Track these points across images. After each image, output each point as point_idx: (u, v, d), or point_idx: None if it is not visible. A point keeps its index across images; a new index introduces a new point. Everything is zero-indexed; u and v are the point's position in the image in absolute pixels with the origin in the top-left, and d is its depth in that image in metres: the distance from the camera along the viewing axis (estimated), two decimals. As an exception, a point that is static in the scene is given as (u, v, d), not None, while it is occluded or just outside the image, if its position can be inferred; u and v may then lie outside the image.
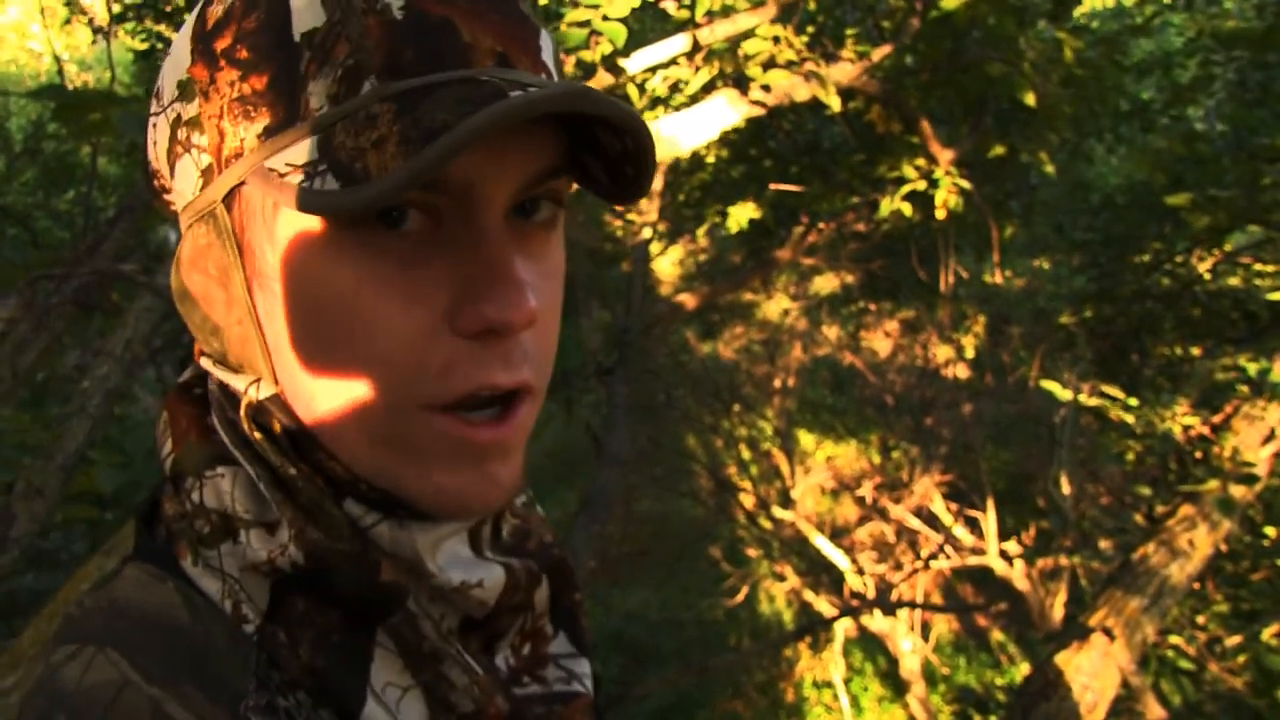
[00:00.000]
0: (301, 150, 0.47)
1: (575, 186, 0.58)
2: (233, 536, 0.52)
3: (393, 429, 0.50)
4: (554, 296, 0.54)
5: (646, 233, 8.21)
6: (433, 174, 0.43)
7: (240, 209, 0.51)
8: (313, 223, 0.48)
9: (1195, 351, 5.63)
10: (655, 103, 4.74)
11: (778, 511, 10.44)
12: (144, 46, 5.56)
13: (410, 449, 0.51)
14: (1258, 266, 5.89)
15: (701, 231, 7.16)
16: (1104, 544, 6.08)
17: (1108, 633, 2.82)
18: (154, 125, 0.55)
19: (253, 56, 0.48)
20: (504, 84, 0.46)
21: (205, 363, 0.57)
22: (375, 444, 0.51)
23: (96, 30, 5.21)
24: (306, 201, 0.45)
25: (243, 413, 0.53)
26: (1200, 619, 3.97)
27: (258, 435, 0.52)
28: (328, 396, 0.51)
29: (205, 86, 0.50)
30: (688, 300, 7.82)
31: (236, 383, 0.54)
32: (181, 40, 0.53)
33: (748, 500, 10.80)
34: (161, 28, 5.24)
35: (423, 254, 0.49)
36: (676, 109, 4.50)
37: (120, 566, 0.55)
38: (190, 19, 0.53)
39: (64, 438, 1.80)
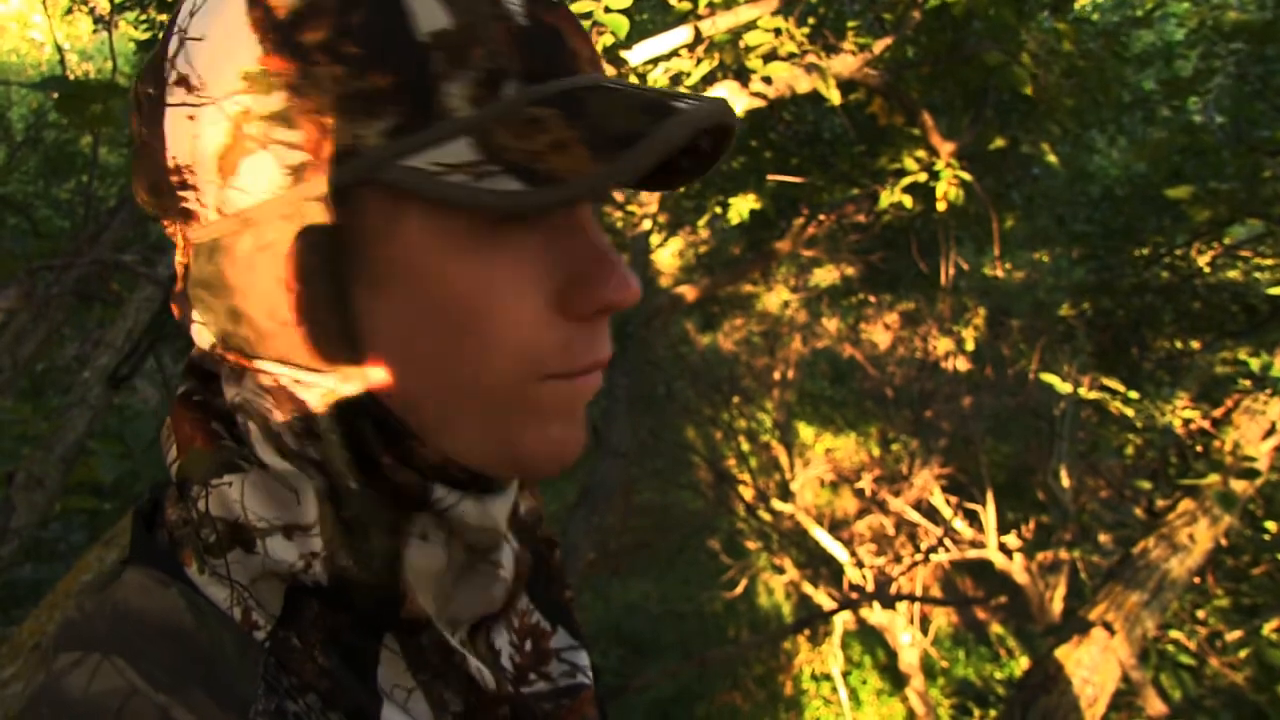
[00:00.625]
0: (455, 150, 0.47)
1: None
2: (243, 546, 0.51)
3: (519, 400, 0.53)
4: None
5: (646, 224, 8.20)
6: (634, 177, 0.46)
7: (350, 207, 0.50)
8: (450, 221, 0.49)
9: (1195, 345, 5.64)
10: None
11: (777, 504, 10.46)
12: (146, 36, 5.55)
13: (533, 412, 0.54)
14: (1257, 260, 5.89)
15: (702, 223, 7.16)
16: (1104, 538, 6.08)
17: (1108, 627, 2.82)
18: (191, 117, 0.51)
19: (367, 53, 0.48)
20: (646, 93, 0.50)
21: (262, 365, 0.54)
22: (495, 416, 0.53)
23: (98, 20, 5.20)
24: (490, 200, 0.46)
25: (323, 410, 0.52)
26: (1201, 613, 3.97)
27: (333, 436, 0.52)
28: (441, 383, 0.52)
29: (293, 80, 0.48)
30: (688, 292, 7.82)
31: (316, 380, 0.53)
32: (226, 26, 0.50)
33: (747, 492, 10.82)
34: (164, 17, 5.23)
35: (534, 243, 0.52)
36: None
37: (119, 570, 0.54)
38: (230, 5, 0.50)
39: (64, 428, 1.80)
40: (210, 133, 0.50)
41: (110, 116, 1.79)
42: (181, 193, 0.53)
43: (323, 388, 0.52)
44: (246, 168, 0.50)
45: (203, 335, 0.56)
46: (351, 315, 0.51)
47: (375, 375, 0.52)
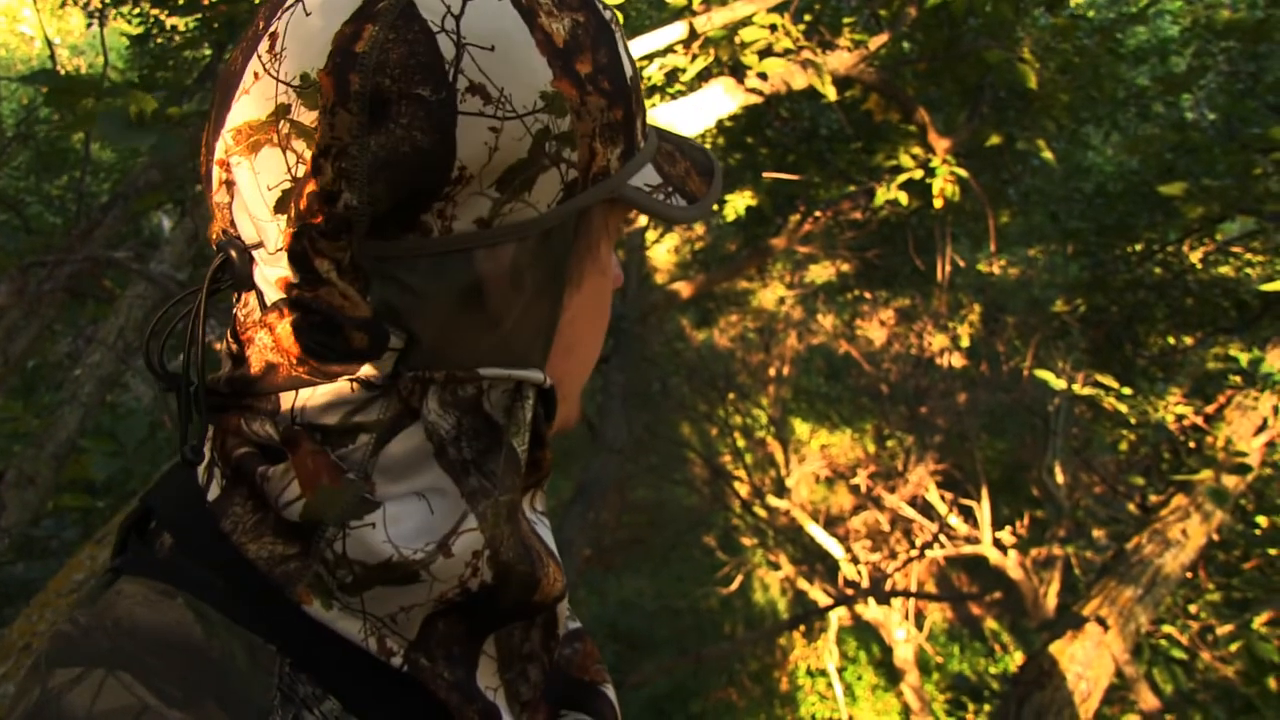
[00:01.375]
0: (649, 174, 0.59)
1: None
2: (402, 581, 0.51)
3: (586, 381, 0.66)
4: None
5: (642, 220, 8.20)
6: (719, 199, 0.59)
7: (587, 220, 0.58)
8: (615, 229, 0.62)
9: (1188, 341, 5.65)
10: (652, 91, 4.73)
11: (772, 500, 10.47)
12: (139, 30, 5.52)
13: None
14: (1249, 256, 5.90)
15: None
16: (1097, 533, 6.10)
17: (1102, 622, 2.82)
18: (494, 129, 0.50)
19: (613, 89, 0.56)
20: (663, 130, 0.66)
21: (486, 371, 0.54)
22: (572, 400, 0.64)
23: (90, 14, 5.18)
24: (679, 215, 0.60)
25: (520, 400, 0.56)
26: (1193, 608, 3.98)
27: (525, 419, 0.56)
28: (582, 362, 0.63)
29: (576, 105, 0.53)
30: (683, 288, 7.82)
31: (532, 375, 0.56)
32: (517, 44, 0.51)
33: (742, 489, 10.82)
34: (156, 11, 5.21)
35: None
36: (673, 97, 4.48)
37: (110, 579, 0.53)
38: (505, 16, 0.51)
39: (56, 426, 1.79)
40: (511, 145, 0.50)
41: (88, 119, 1.77)
42: (438, 203, 0.50)
43: (533, 380, 0.56)
44: (541, 183, 0.52)
45: (381, 360, 0.53)
46: (559, 311, 0.57)
47: (555, 362, 0.59)
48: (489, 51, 0.50)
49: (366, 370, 0.52)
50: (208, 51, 5.07)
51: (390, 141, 0.49)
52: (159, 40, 5.48)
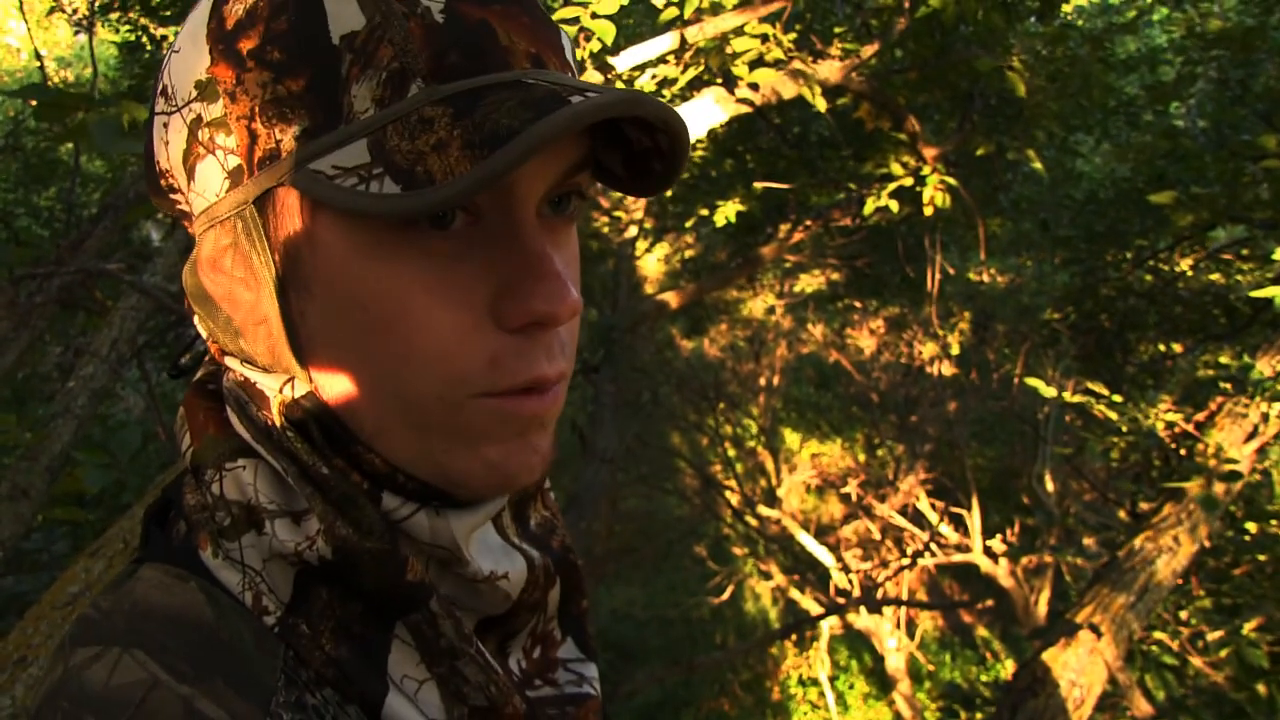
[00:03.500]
0: (351, 153, 0.47)
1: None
2: (256, 527, 0.52)
3: (443, 417, 0.51)
4: (577, 283, 0.56)
5: (632, 230, 8.21)
6: (504, 178, 0.43)
7: (274, 210, 0.50)
8: (358, 225, 0.49)
9: (1178, 348, 5.67)
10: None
11: (763, 509, 10.47)
12: (129, 38, 5.52)
13: (460, 432, 0.52)
14: (1239, 263, 5.93)
15: (688, 224, 7.18)
16: (1088, 541, 6.12)
17: (1094, 629, 2.83)
18: (165, 125, 0.53)
19: (287, 58, 0.48)
20: (555, 87, 0.47)
21: (231, 362, 0.56)
22: (423, 432, 0.52)
23: (78, 25, 5.18)
24: (363, 204, 0.45)
25: (275, 410, 0.53)
26: (1184, 614, 4.00)
27: (290, 433, 0.52)
28: (371, 392, 0.51)
29: (231, 87, 0.49)
30: (673, 298, 7.82)
31: (268, 381, 0.54)
32: (193, 38, 0.51)
33: (733, 498, 10.83)
34: (146, 21, 5.20)
35: (464, 251, 0.50)
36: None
37: (133, 568, 0.54)
38: (199, 17, 0.52)
39: (49, 438, 1.78)
40: (175, 139, 0.53)
41: (81, 129, 1.77)
42: (173, 196, 0.55)
43: (275, 388, 0.53)
44: (200, 172, 0.52)
45: (201, 329, 0.58)
46: (291, 318, 0.52)
47: (319, 379, 0.52)
48: (177, 53, 0.52)
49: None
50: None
51: (146, 147, 0.57)
52: (149, 49, 5.48)
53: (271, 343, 0.53)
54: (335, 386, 0.52)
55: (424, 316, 0.49)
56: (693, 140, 3.91)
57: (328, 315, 0.51)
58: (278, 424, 0.53)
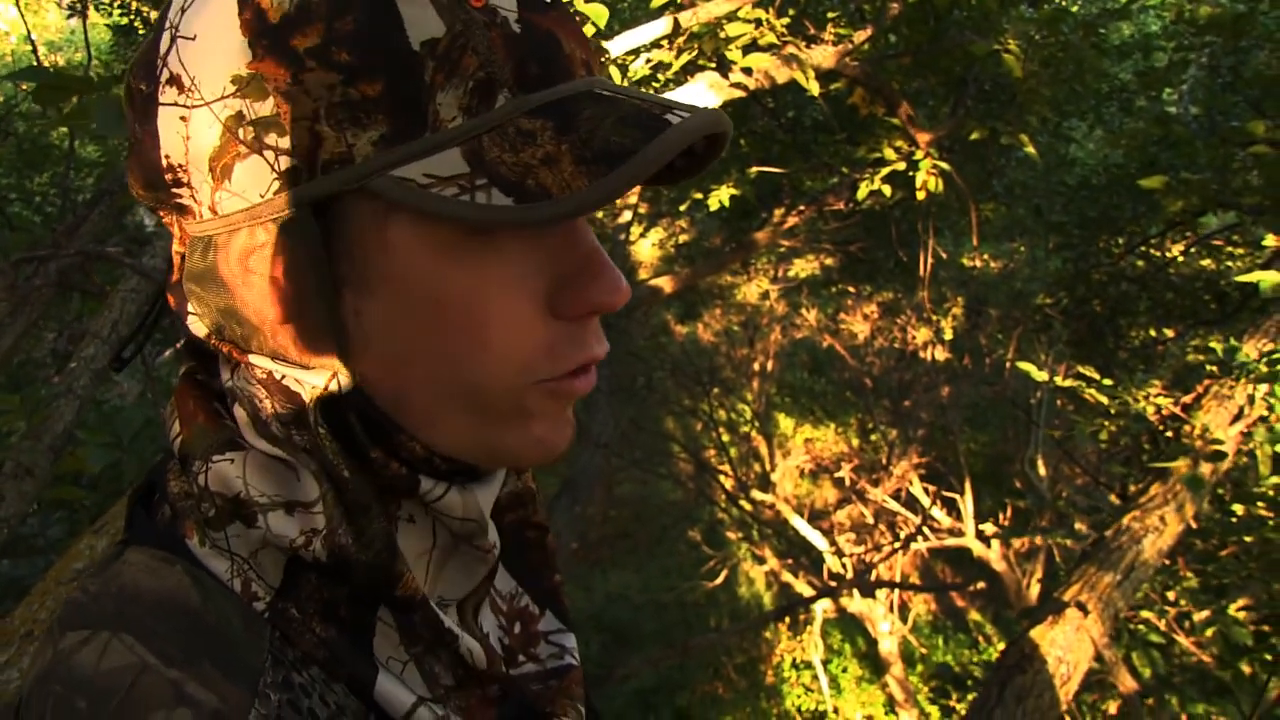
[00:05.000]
0: (445, 162, 0.47)
1: None
2: (245, 520, 0.53)
3: (506, 403, 0.54)
4: None
5: (626, 215, 8.21)
6: (621, 195, 0.46)
7: (338, 213, 0.50)
8: (436, 228, 0.49)
9: (1169, 333, 5.71)
10: (636, 85, 4.75)
11: (757, 494, 10.51)
12: (122, 21, 5.50)
13: (517, 414, 0.55)
14: (1229, 249, 5.96)
15: (682, 208, 7.19)
16: (1079, 524, 6.16)
17: (1081, 607, 2.87)
18: (182, 118, 0.51)
19: (358, 61, 0.47)
20: (638, 103, 0.50)
21: (255, 359, 0.55)
22: (481, 417, 0.54)
23: (70, 9, 5.17)
24: (476, 215, 0.46)
25: (310, 405, 0.53)
26: (1171, 594, 4.04)
27: (321, 429, 0.53)
28: (431, 384, 0.53)
29: (285, 86, 0.48)
30: (667, 283, 7.84)
31: (303, 376, 0.54)
32: (217, 28, 0.50)
33: (727, 483, 10.86)
34: (139, 4, 5.20)
35: (527, 248, 0.52)
36: (657, 91, 4.51)
37: (119, 551, 0.55)
38: (222, 4, 0.50)
39: (52, 418, 1.81)
40: (203, 135, 0.51)
41: (88, 111, 1.78)
42: (175, 189, 0.53)
43: (311, 383, 0.53)
44: (240, 172, 0.50)
45: (197, 325, 0.57)
46: (340, 316, 0.52)
47: (365, 373, 0.53)
48: (191, 41, 0.51)
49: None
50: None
51: (134, 134, 0.55)
52: (142, 33, 5.47)
53: (310, 339, 0.53)
54: (390, 380, 0.53)
55: (497, 311, 0.51)
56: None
57: (393, 313, 0.51)
58: (311, 419, 0.53)
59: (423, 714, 0.54)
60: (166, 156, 0.53)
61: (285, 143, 0.49)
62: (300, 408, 0.53)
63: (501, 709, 0.59)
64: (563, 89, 0.50)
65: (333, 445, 0.53)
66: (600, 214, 8.62)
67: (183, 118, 0.51)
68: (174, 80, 0.51)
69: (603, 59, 3.08)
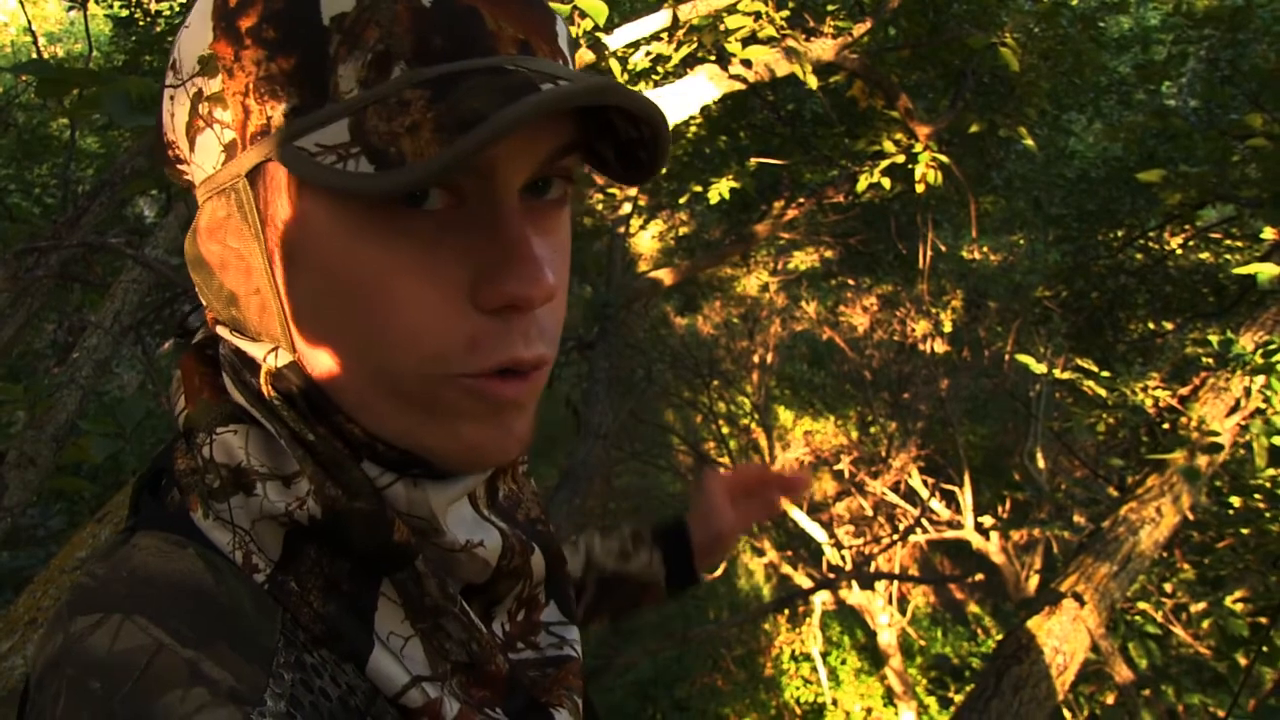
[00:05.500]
0: (333, 132, 0.48)
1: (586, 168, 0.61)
2: (245, 490, 0.54)
3: (422, 394, 0.52)
4: (564, 269, 0.57)
5: (626, 208, 8.22)
6: (468, 162, 0.45)
7: (264, 184, 0.52)
8: (344, 203, 0.49)
9: (1168, 326, 5.72)
10: (636, 78, 4.75)
11: (757, 486, 10.48)
12: (122, 13, 5.50)
13: (437, 409, 0.53)
14: (1227, 242, 5.97)
15: (682, 201, 7.19)
16: (1078, 516, 6.17)
17: (1078, 598, 2.88)
18: (171, 97, 0.56)
19: (280, 36, 0.49)
20: (532, 75, 0.48)
21: (222, 330, 0.58)
22: (401, 406, 0.53)
23: (70, 1, 5.18)
24: (339, 182, 0.46)
25: (262, 378, 0.55)
26: (1168, 586, 4.06)
27: (276, 400, 0.54)
28: (354, 365, 0.53)
29: (229, 63, 0.51)
30: (667, 275, 7.84)
31: (254, 350, 0.55)
32: (201, 15, 0.53)
33: (727, 475, 10.84)
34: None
35: (445, 232, 0.51)
36: (657, 84, 4.51)
37: (126, 536, 0.55)
38: None
39: (55, 408, 1.82)
40: (179, 112, 0.55)
41: (94, 102, 1.79)
42: (179, 166, 0.58)
43: (260, 356, 0.55)
44: (200, 144, 0.54)
45: (200, 296, 0.60)
46: (279, 290, 0.53)
47: (304, 351, 0.54)
48: (187, 29, 0.54)
49: None
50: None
51: (158, 119, 0.59)
52: (142, 24, 5.47)
53: (261, 311, 0.54)
54: (320, 358, 0.53)
55: (404, 295, 0.50)
56: (686, 117, 3.92)
57: (314, 289, 0.52)
58: (266, 391, 0.54)
59: (414, 695, 0.54)
60: (165, 133, 0.57)
61: (227, 117, 0.52)
62: (256, 379, 0.55)
63: (507, 693, 0.59)
64: (467, 63, 0.49)
65: (290, 413, 0.54)
66: (599, 206, 8.63)
67: (171, 96, 0.56)
68: (172, 64, 0.56)
69: (602, 54, 3.08)
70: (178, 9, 5.19)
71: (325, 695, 0.50)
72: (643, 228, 10.13)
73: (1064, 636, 2.81)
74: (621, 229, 8.46)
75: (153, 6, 5.34)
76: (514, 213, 0.51)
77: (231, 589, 0.51)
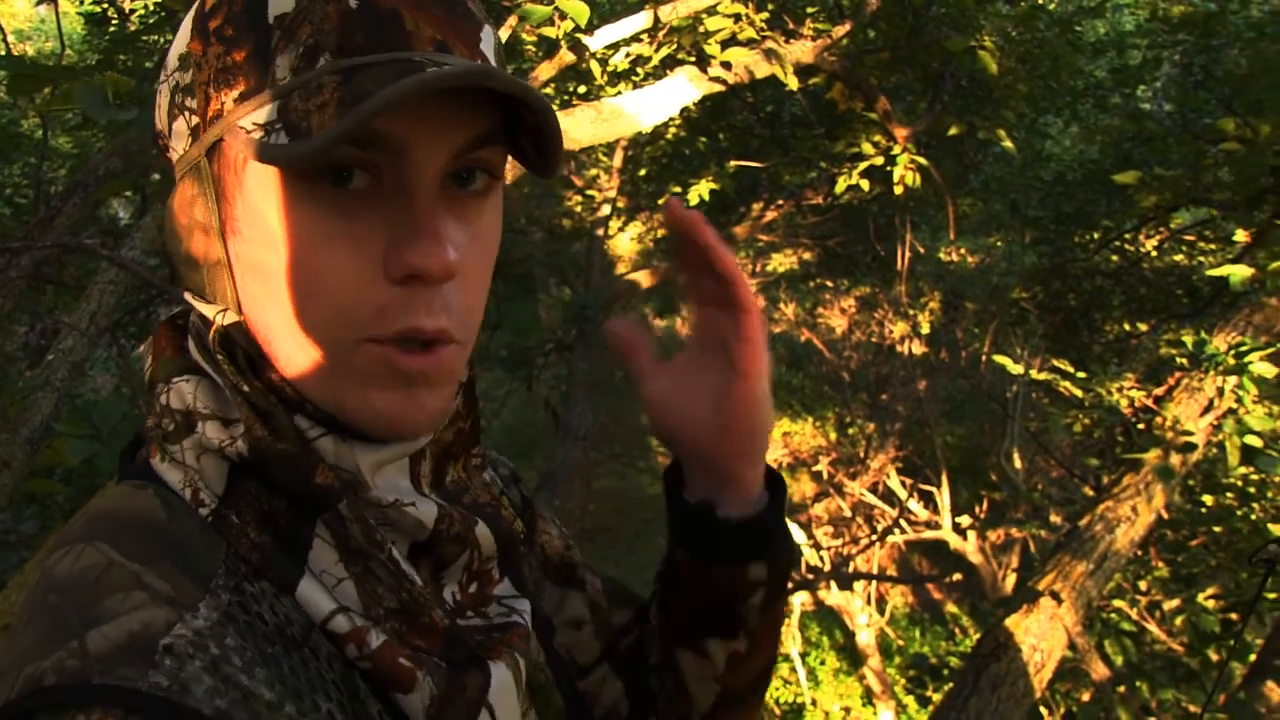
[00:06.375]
0: (264, 112, 0.55)
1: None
2: (192, 430, 0.60)
3: (335, 357, 0.58)
4: (481, 257, 0.62)
5: (605, 209, 8.21)
6: (354, 132, 0.51)
7: (220, 162, 0.59)
8: (274, 176, 0.56)
9: (1142, 327, 5.77)
10: (617, 79, 4.75)
11: (735, 487, 10.49)
12: (94, 10, 5.45)
13: (350, 374, 0.59)
14: (1201, 244, 6.03)
15: (661, 202, 7.20)
16: (1054, 516, 6.22)
17: (1055, 596, 2.91)
18: (160, 91, 0.64)
19: (235, 34, 0.57)
20: (427, 63, 0.54)
21: (188, 295, 0.65)
22: (321, 369, 0.59)
23: (41, -3, 5.12)
24: (260, 153, 0.53)
25: (211, 336, 0.61)
26: (1142, 584, 4.10)
27: (220, 355, 0.60)
28: (283, 327, 0.59)
29: (198, 59, 0.59)
30: (646, 277, 7.85)
31: (209, 311, 0.62)
32: (187, 20, 0.61)
33: (706, 476, 10.84)
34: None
35: (364, 208, 0.57)
36: (636, 85, 4.52)
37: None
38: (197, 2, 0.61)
39: (30, 410, 1.80)
40: (162, 103, 0.64)
41: (69, 97, 1.77)
42: (167, 155, 0.65)
43: (210, 316, 0.62)
44: (175, 130, 0.62)
45: (175, 265, 0.67)
46: (228, 257, 0.60)
47: (249, 313, 0.61)
48: (178, 34, 0.62)
49: None
50: (170, 36, 5.03)
51: None
52: (115, 22, 5.42)
53: (215, 277, 0.62)
54: (259, 320, 0.60)
55: (326, 263, 0.56)
56: (666, 118, 3.93)
57: (255, 256, 0.58)
58: (212, 347, 0.61)
59: (339, 621, 0.58)
60: (156, 124, 0.66)
61: (193, 104, 0.60)
62: (208, 336, 0.62)
63: (445, 644, 0.62)
64: (382, 55, 0.55)
65: (230, 367, 0.60)
66: (578, 208, 8.62)
67: (159, 91, 0.64)
68: (163, 63, 0.64)
69: (582, 54, 3.09)
70: (152, 7, 5.14)
71: (261, 619, 0.55)
72: (621, 229, 10.13)
73: (1042, 634, 2.84)
74: (600, 231, 8.46)
75: (126, 5, 5.29)
76: (424, 193, 0.57)
77: (181, 523, 0.58)
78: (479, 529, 0.67)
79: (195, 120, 0.60)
